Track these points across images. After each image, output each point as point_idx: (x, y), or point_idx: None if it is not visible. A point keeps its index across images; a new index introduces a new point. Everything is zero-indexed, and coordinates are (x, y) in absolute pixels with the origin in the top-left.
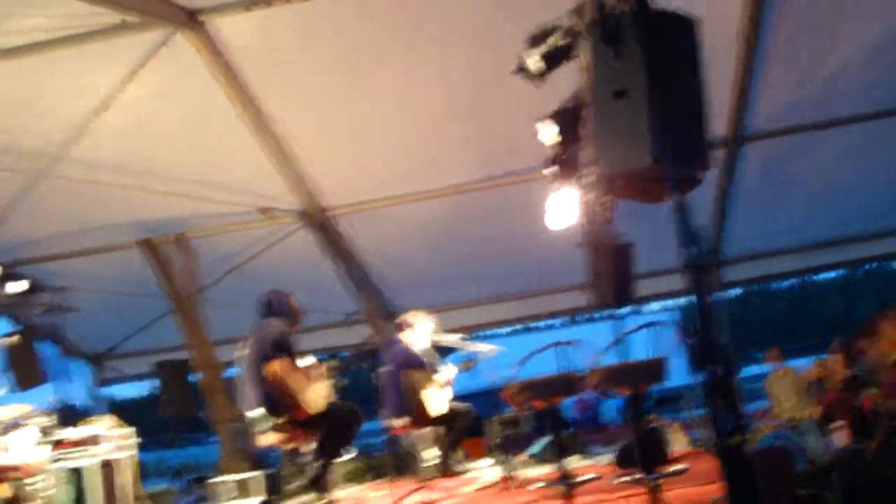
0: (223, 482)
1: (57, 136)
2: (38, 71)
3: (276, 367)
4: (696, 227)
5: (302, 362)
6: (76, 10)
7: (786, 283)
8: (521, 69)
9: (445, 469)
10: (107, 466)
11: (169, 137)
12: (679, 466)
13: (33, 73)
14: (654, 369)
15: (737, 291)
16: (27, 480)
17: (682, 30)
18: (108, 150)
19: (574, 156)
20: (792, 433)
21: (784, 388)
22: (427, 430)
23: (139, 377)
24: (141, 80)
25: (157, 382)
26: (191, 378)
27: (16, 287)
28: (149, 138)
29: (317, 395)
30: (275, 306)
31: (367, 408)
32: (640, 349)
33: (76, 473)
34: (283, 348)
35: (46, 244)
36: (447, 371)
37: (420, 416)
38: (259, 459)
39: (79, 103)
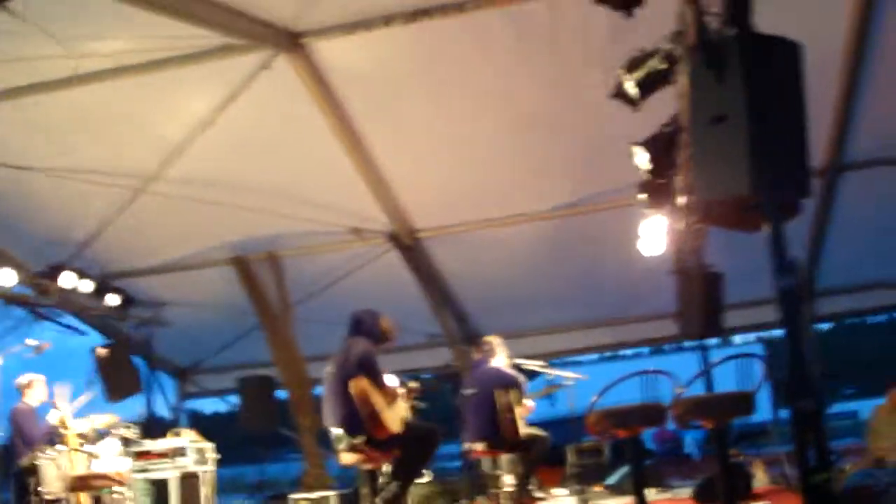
0: (299, 500)
1: (154, 155)
2: (140, 90)
3: (359, 385)
4: (791, 257)
5: (385, 382)
6: (180, 32)
7: (881, 318)
8: (619, 93)
9: (521, 496)
10: (187, 479)
11: (265, 158)
12: (761, 503)
13: (135, 93)
14: (742, 402)
15: (827, 325)
16: (111, 489)
17: (786, 55)
18: (205, 168)
19: (668, 182)
20: (882, 473)
21: (890, 424)
22: (505, 455)
23: (222, 392)
24: (240, 102)
25: (239, 398)
26: (274, 394)
27: (109, 301)
28: (245, 158)
29: (396, 415)
30: (364, 326)
31: (444, 431)
32: (726, 382)
33: (157, 484)
34: (367, 367)
35: (140, 259)
36: (530, 401)
37: (507, 436)
38: (337, 479)
39: (177, 123)
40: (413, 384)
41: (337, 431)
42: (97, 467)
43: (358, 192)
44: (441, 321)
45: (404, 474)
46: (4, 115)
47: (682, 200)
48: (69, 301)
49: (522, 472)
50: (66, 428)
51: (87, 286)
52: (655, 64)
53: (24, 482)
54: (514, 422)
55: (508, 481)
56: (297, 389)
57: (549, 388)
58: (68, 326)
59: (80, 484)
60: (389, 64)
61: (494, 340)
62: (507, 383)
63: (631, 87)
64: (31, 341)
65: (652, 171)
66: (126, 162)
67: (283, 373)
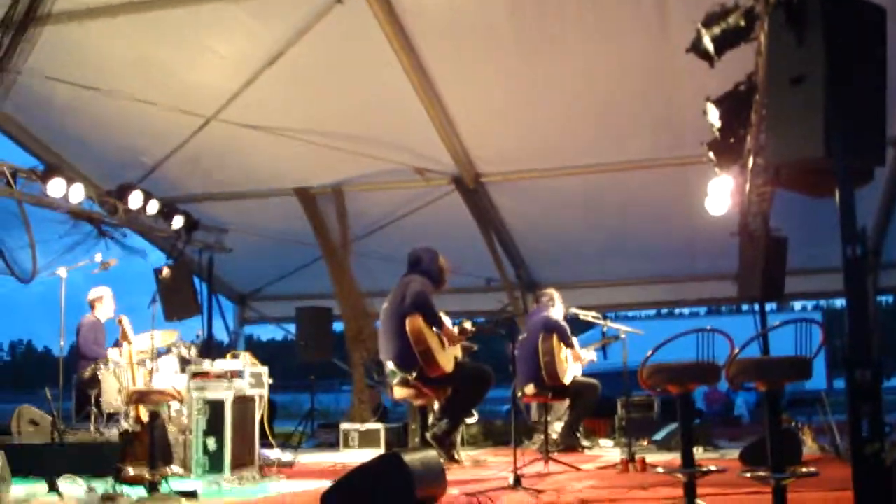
0: (348, 430)
1: (226, 83)
2: (216, 18)
3: (414, 323)
4: (860, 226)
5: (441, 321)
6: None
7: None
8: (695, 47)
9: (567, 443)
10: (242, 401)
11: (335, 93)
12: (809, 469)
13: (211, 19)
14: (798, 367)
15: (890, 299)
16: (167, 405)
17: (869, 18)
18: (275, 100)
19: (737, 142)
20: None
21: None
22: (553, 402)
23: (279, 320)
24: (313, 35)
25: (296, 327)
26: (331, 326)
27: (174, 223)
28: (315, 92)
29: (450, 355)
30: (423, 264)
31: (496, 375)
32: (782, 347)
33: (212, 404)
34: (422, 306)
35: (206, 185)
36: (587, 352)
37: (551, 381)
38: (385, 411)
39: (250, 52)
40: (467, 325)
41: (390, 366)
42: (156, 383)
43: (425, 134)
44: (499, 266)
45: (454, 413)
46: (87, 34)
47: (751, 161)
48: (135, 221)
49: (570, 420)
50: (127, 342)
51: (153, 207)
52: (734, 20)
53: (84, 393)
54: (553, 365)
55: (555, 428)
56: (354, 323)
57: (604, 340)
58: (130, 248)
59: (138, 397)
60: (465, 6)
61: (552, 292)
62: (549, 328)
63: (707, 42)
64: (98, 257)
65: (722, 130)
66: (199, 88)
67: (341, 305)
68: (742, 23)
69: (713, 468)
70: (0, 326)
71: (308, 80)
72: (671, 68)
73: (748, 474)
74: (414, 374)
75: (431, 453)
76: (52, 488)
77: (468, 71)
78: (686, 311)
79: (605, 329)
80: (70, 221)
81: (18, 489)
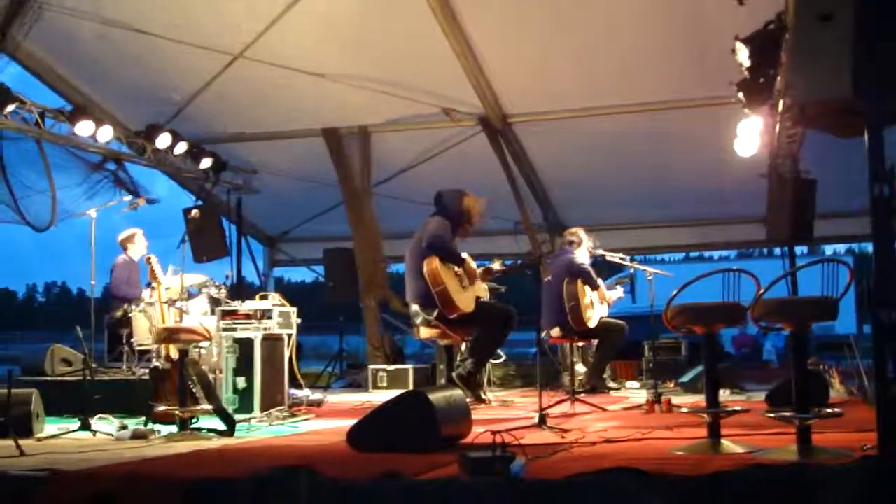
0: (377, 371)
1: (251, 25)
2: None
3: (430, 265)
4: (890, 167)
5: (461, 259)
6: None
7: None
8: None
9: (593, 385)
10: (271, 340)
11: (361, 33)
12: (833, 410)
13: None
14: (824, 307)
15: None
16: (197, 344)
17: None
18: (301, 40)
19: (767, 82)
20: None
21: None
22: (579, 343)
23: (308, 262)
24: None
25: (324, 269)
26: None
27: (201, 164)
28: (341, 32)
29: (468, 295)
30: (443, 204)
31: (523, 317)
32: (811, 290)
33: (242, 343)
34: (437, 247)
35: (233, 126)
36: (613, 292)
37: (577, 325)
38: (400, 352)
39: None
40: (494, 265)
41: (414, 307)
42: (185, 322)
43: (452, 75)
44: (525, 208)
45: (478, 353)
46: None
47: (780, 102)
48: (163, 162)
49: (596, 361)
50: (156, 282)
51: (181, 148)
52: None
53: (116, 333)
54: (578, 310)
55: (581, 369)
56: (368, 267)
57: (621, 280)
58: (138, 194)
59: (167, 336)
60: None
61: (579, 231)
62: (574, 273)
63: None
64: (126, 197)
65: (752, 70)
66: (226, 27)
67: (357, 248)
68: None
69: (738, 408)
70: (37, 269)
71: (336, 22)
72: (700, 7)
73: (772, 415)
74: (434, 315)
75: (457, 392)
76: (85, 425)
77: (495, 10)
78: (716, 254)
79: (632, 270)
80: (84, 171)
81: (52, 426)
